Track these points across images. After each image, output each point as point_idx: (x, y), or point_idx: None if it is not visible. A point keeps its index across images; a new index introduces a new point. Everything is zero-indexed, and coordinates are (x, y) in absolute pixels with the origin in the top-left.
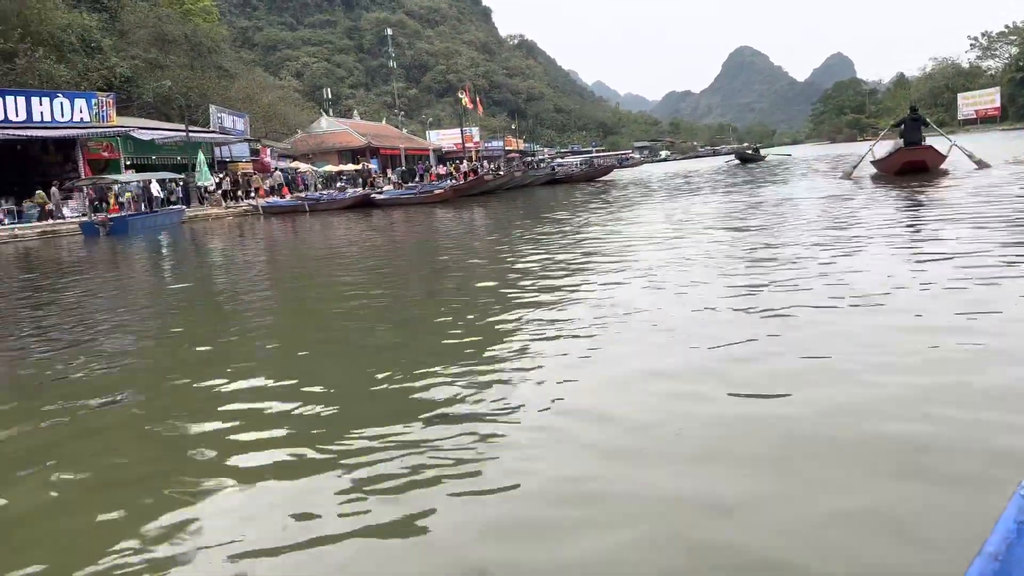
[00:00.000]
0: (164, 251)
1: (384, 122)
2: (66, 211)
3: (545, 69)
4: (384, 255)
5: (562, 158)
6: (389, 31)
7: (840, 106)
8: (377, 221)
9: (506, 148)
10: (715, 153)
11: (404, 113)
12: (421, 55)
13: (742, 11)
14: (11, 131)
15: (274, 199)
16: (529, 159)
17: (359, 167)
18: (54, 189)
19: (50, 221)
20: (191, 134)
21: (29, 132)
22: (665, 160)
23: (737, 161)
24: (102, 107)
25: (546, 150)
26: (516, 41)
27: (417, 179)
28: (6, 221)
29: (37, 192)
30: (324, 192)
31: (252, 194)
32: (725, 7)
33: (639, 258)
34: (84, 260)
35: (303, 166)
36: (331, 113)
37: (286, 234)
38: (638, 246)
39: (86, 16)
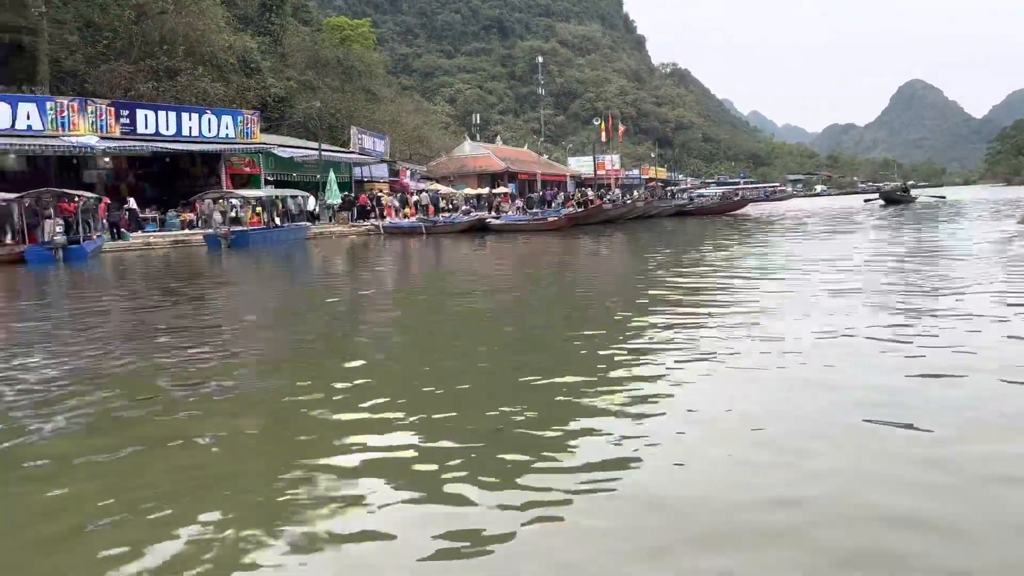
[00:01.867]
0: (268, 264)
1: (526, 147)
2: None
3: (696, 98)
4: (487, 279)
5: (705, 188)
6: (540, 59)
7: (1020, 146)
8: (491, 246)
9: (645, 177)
10: (877, 190)
11: (549, 139)
12: (571, 82)
13: (914, 42)
14: (162, 144)
15: (397, 220)
16: (670, 188)
17: (486, 192)
18: (208, 200)
19: (186, 231)
20: (324, 153)
21: (178, 145)
22: (819, 195)
23: (882, 202)
24: (247, 124)
25: (689, 180)
26: (668, 70)
27: (545, 205)
28: (155, 226)
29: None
30: (444, 215)
31: (380, 214)
32: (895, 37)
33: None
34: (198, 271)
35: (443, 188)
36: (478, 138)
37: (400, 254)
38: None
39: (248, 39)
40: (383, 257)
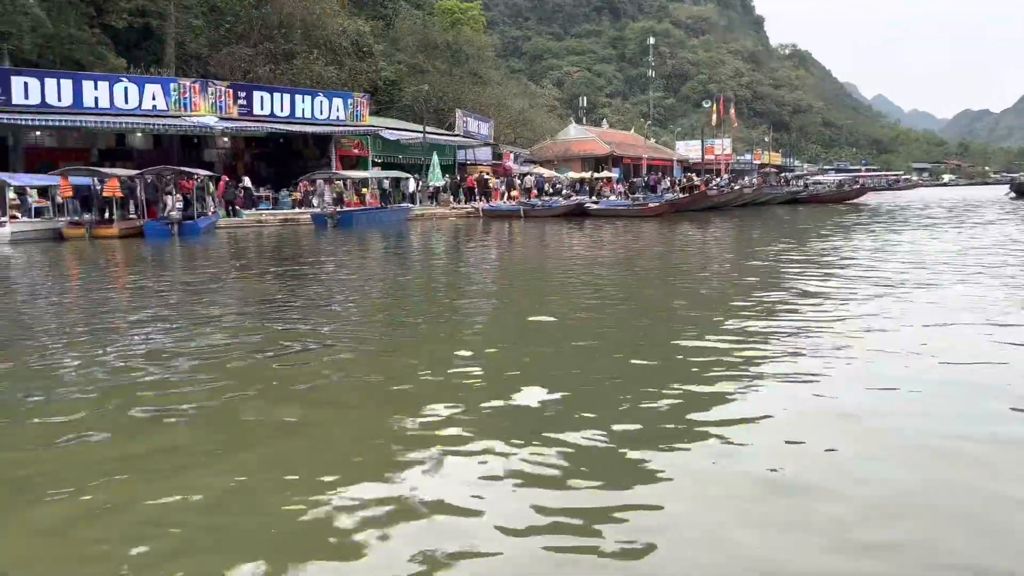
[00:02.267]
0: (370, 243)
1: (632, 131)
2: (314, 201)
3: (817, 81)
4: (585, 265)
5: (822, 175)
6: (652, 40)
7: None
8: (586, 230)
9: (757, 162)
10: (1011, 181)
11: (657, 123)
12: (683, 64)
13: None
14: (276, 124)
15: (497, 203)
16: (784, 175)
17: (588, 176)
18: (320, 181)
19: (296, 210)
20: (429, 136)
21: (291, 127)
22: (947, 184)
23: (1013, 194)
24: (356, 106)
25: (805, 166)
26: (788, 51)
27: (649, 190)
28: (268, 204)
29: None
30: (543, 199)
31: (482, 197)
32: None
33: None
34: (301, 248)
35: (546, 172)
36: (584, 121)
37: (494, 237)
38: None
39: (362, 23)
40: (475, 239)
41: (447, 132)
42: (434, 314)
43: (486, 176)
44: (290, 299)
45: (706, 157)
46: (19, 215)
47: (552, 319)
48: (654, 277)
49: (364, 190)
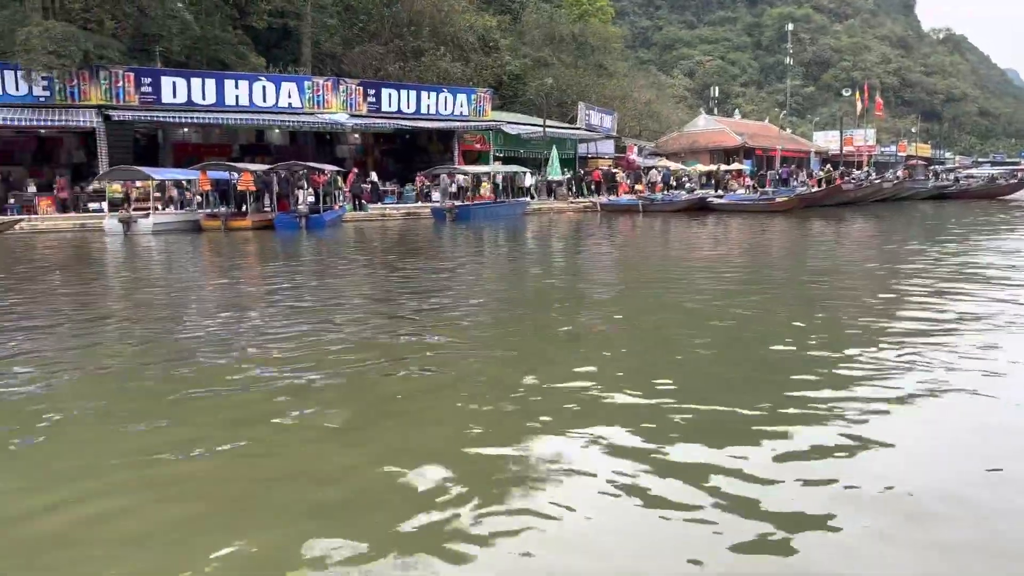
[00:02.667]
0: (486, 236)
1: (767, 121)
2: (435, 195)
3: (973, 67)
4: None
5: (976, 167)
6: (790, 26)
7: None
8: (704, 227)
9: (902, 154)
10: None
11: (794, 112)
12: (824, 51)
13: None
14: (402, 120)
15: (615, 197)
16: (934, 167)
17: (715, 168)
18: (444, 176)
19: (418, 204)
20: (549, 130)
21: (416, 123)
22: None
23: None
24: (479, 101)
25: (957, 158)
26: (941, 36)
27: (782, 183)
28: (393, 199)
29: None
30: (665, 193)
31: (609, 191)
32: None
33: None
34: (417, 241)
35: (672, 165)
36: (715, 112)
37: (608, 232)
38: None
39: (489, 18)
40: (588, 235)
41: (568, 126)
42: (544, 316)
43: (613, 170)
44: (398, 293)
45: (846, 149)
46: (169, 207)
47: (670, 331)
48: (777, 281)
49: (485, 184)
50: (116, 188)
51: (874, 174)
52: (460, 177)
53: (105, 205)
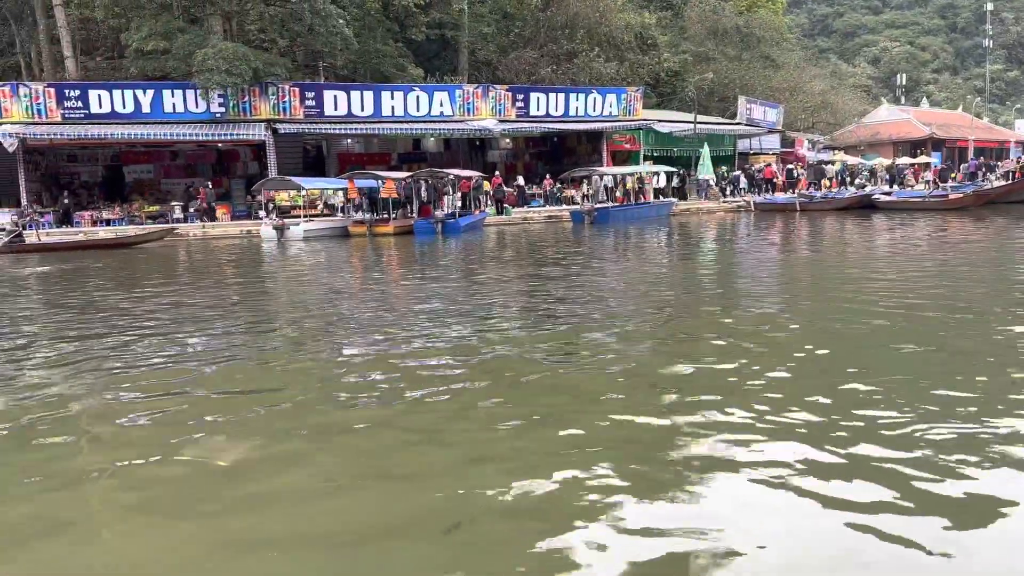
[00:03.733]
0: (619, 241)
1: (960, 110)
2: (577, 197)
3: None
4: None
5: None
6: (990, 6)
7: None
8: (864, 227)
9: None
10: None
11: (995, 99)
12: None
13: None
14: (550, 124)
15: (771, 195)
16: None
17: (891, 162)
18: (595, 177)
19: (560, 207)
20: (704, 126)
21: (563, 125)
22: None
23: None
24: (630, 101)
25: None
26: None
27: (970, 177)
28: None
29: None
30: (825, 190)
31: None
32: None
33: None
34: (552, 244)
35: (849, 159)
36: (902, 101)
37: (756, 236)
38: None
39: (648, 15)
40: (729, 238)
41: (726, 121)
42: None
43: (789, 166)
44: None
45: None
46: (338, 214)
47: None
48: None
49: (630, 185)
50: (283, 196)
51: None
52: (607, 178)
53: (272, 214)
